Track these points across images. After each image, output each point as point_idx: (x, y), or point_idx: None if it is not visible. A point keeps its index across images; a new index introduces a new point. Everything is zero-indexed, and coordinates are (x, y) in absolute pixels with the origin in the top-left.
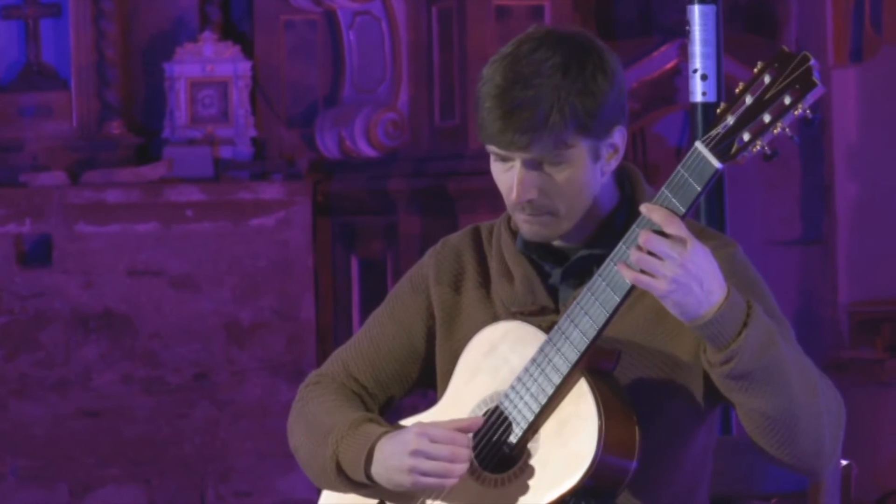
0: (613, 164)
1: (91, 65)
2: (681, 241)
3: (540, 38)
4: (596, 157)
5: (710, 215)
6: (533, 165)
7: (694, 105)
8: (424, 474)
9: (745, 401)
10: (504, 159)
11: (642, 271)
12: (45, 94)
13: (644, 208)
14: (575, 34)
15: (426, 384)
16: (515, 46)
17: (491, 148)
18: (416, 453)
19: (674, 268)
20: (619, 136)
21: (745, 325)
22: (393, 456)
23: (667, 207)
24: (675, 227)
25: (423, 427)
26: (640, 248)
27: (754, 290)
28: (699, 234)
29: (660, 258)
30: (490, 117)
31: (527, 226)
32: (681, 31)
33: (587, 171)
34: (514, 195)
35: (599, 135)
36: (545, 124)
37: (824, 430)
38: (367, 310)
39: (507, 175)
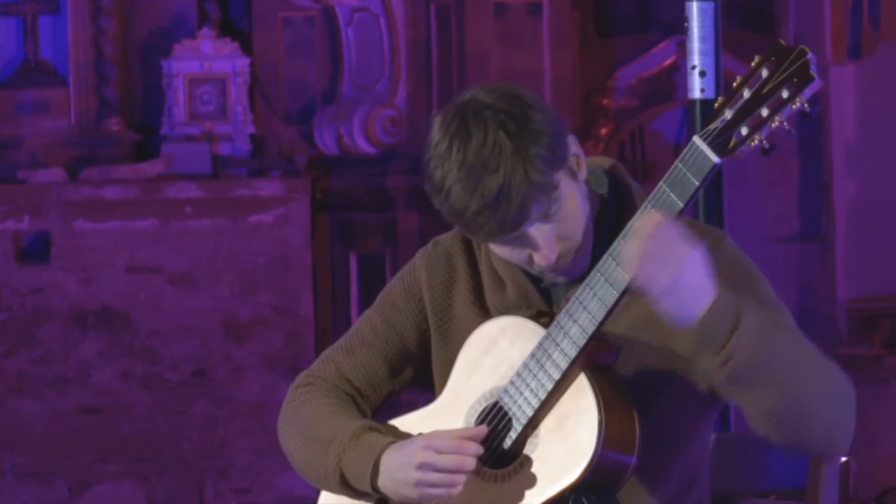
0: (585, 168)
1: (89, 61)
2: (669, 243)
3: (459, 124)
4: (572, 174)
5: (708, 211)
6: (541, 222)
7: (692, 101)
8: (431, 486)
9: (749, 399)
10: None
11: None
12: (44, 91)
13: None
14: (476, 93)
15: (419, 385)
16: (447, 144)
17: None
18: (422, 466)
19: (666, 273)
20: (574, 145)
21: (737, 322)
22: (399, 469)
23: (665, 203)
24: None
25: (427, 439)
26: (632, 254)
27: (748, 279)
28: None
29: (651, 262)
30: (476, 225)
31: (552, 274)
32: (679, 28)
33: (574, 191)
34: (544, 262)
35: (564, 157)
36: (531, 194)
37: (833, 410)
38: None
39: (518, 252)
